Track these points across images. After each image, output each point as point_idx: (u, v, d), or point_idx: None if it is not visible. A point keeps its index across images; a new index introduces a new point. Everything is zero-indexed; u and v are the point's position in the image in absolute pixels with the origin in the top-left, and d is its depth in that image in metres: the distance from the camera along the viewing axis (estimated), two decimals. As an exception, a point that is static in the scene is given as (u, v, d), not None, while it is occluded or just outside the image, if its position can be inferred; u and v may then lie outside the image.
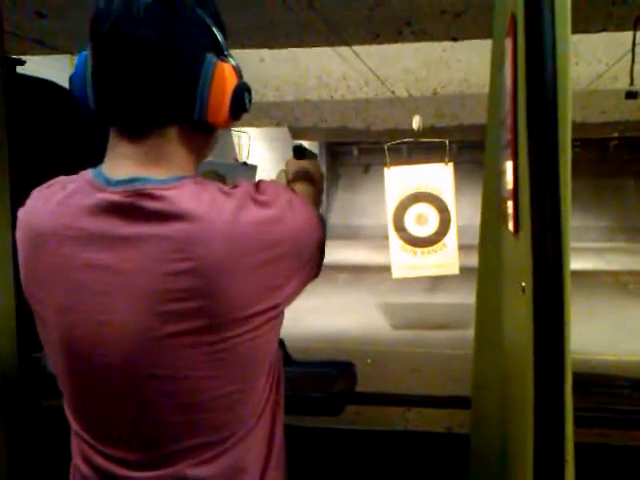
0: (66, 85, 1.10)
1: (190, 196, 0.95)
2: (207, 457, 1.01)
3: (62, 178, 1.05)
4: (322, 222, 1.13)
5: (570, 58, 0.80)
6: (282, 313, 1.04)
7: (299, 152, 1.37)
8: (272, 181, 1.09)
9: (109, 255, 0.96)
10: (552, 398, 0.81)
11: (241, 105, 1.04)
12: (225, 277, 0.93)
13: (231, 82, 1.02)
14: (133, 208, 0.95)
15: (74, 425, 1.09)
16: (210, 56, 1.00)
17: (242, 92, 1.04)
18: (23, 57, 2.14)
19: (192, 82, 0.98)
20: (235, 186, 0.99)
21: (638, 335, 7.38)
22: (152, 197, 0.94)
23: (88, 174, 1.02)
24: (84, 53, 1.03)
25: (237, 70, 1.04)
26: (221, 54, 1.02)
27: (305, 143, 12.52)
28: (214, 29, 1.01)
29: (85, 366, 1.01)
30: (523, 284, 0.86)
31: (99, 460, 1.04)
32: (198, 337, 0.94)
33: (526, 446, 0.85)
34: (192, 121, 1.00)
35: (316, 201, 1.28)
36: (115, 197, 0.96)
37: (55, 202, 1.00)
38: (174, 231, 0.92)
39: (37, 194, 1.06)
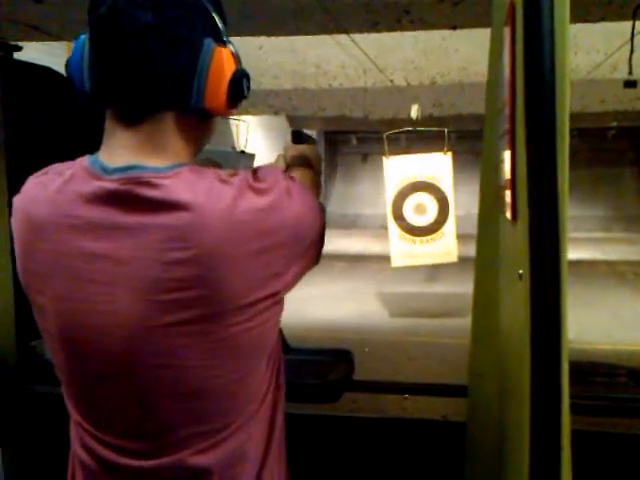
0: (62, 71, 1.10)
1: (188, 184, 0.94)
2: (208, 445, 1.01)
3: (58, 165, 1.04)
4: (322, 210, 1.12)
5: (568, 47, 0.80)
6: (282, 301, 1.04)
7: (297, 137, 1.37)
8: (271, 167, 1.09)
9: (107, 244, 0.95)
10: (548, 385, 0.81)
11: (239, 91, 1.03)
12: (223, 265, 0.93)
13: (229, 68, 1.01)
14: (130, 196, 0.94)
15: (73, 414, 1.09)
16: (208, 41, 0.99)
17: (240, 78, 1.03)
18: (19, 43, 2.13)
19: (189, 67, 0.98)
20: (233, 174, 0.99)
21: (635, 324, 7.41)
22: (149, 185, 0.94)
23: (84, 161, 1.01)
24: (82, 37, 1.03)
25: (236, 56, 1.03)
26: (220, 40, 1.01)
27: (303, 131, 12.44)
28: (213, 14, 1.01)
29: (84, 355, 1.01)
30: (520, 271, 0.86)
31: (99, 449, 1.05)
32: (197, 326, 0.94)
33: (522, 433, 0.85)
34: (189, 107, 1.00)
35: (316, 187, 1.28)
36: (112, 185, 0.96)
37: (52, 190, 1.00)
38: (172, 220, 0.92)
39: (33, 181, 1.05)
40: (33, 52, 2.27)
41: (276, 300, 1.01)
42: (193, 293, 0.93)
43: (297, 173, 1.20)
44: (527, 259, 0.81)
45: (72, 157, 1.06)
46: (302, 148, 1.34)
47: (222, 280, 0.93)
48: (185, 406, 1.00)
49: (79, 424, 1.08)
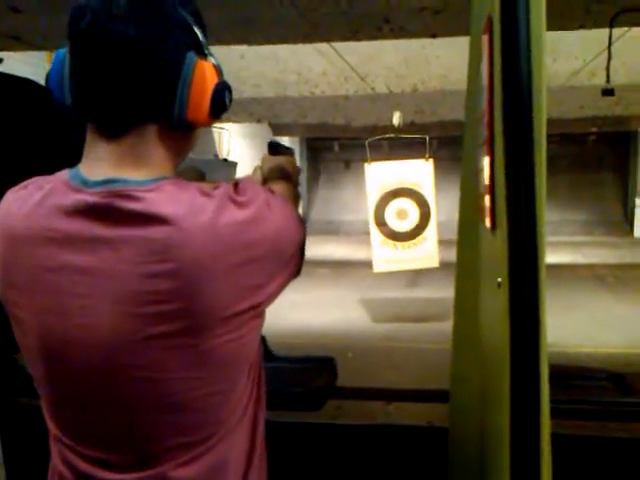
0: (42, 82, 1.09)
1: (169, 198, 0.94)
2: (189, 457, 1.01)
3: (38, 179, 1.04)
4: (301, 222, 1.12)
5: (545, 56, 0.82)
6: (263, 313, 1.04)
7: (274, 148, 1.37)
8: (250, 181, 1.09)
9: (87, 257, 0.95)
10: (528, 390, 0.82)
11: (221, 104, 1.03)
12: (204, 278, 0.93)
13: (211, 80, 1.01)
14: (111, 209, 0.94)
15: (53, 428, 1.08)
16: (190, 54, 0.99)
17: (222, 90, 1.03)
18: None
19: (172, 80, 0.98)
20: (215, 187, 0.99)
21: (615, 327, 7.47)
22: (130, 198, 0.94)
23: (64, 175, 1.01)
24: (62, 51, 1.02)
25: (218, 69, 1.03)
26: (201, 53, 1.01)
27: (285, 139, 12.48)
28: (195, 28, 1.00)
29: (64, 369, 1.00)
30: (499, 279, 0.87)
31: (79, 463, 1.04)
32: (178, 339, 0.94)
33: (503, 437, 0.86)
34: (171, 119, 0.99)
35: (294, 199, 1.28)
36: (92, 198, 0.95)
37: (31, 203, 0.99)
38: (153, 233, 0.92)
39: (11, 195, 1.04)
40: (11, 61, 2.26)
41: (257, 312, 1.01)
42: (174, 306, 0.93)
43: (275, 186, 1.20)
44: (506, 267, 0.82)
45: (51, 170, 1.05)
46: (279, 160, 1.34)
47: (203, 293, 0.93)
48: (167, 418, 0.99)
49: (58, 439, 1.07)
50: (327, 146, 18.60)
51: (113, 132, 0.99)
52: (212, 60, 1.03)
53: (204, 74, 1.00)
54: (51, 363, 1.01)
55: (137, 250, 0.92)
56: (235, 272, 0.95)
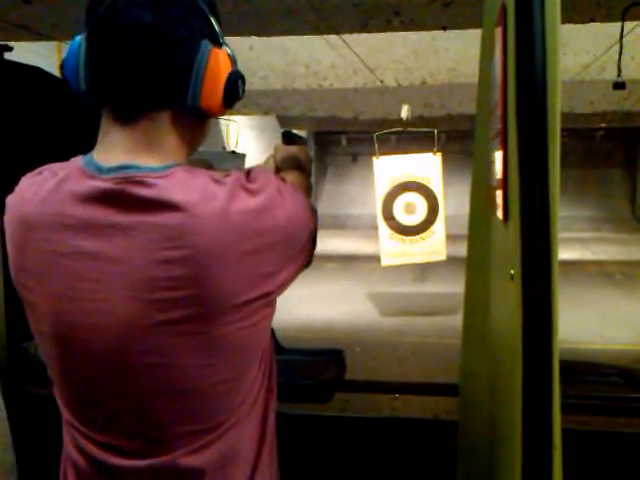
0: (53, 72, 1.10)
1: (181, 184, 0.94)
2: (200, 445, 1.01)
3: (52, 165, 1.04)
4: (313, 211, 1.12)
5: (560, 48, 0.81)
6: (274, 302, 1.04)
7: (288, 138, 1.37)
8: (263, 169, 1.09)
9: (100, 243, 0.95)
10: (540, 384, 0.82)
11: (234, 93, 1.04)
12: (216, 265, 0.93)
13: (225, 69, 1.02)
14: (124, 196, 0.94)
15: (66, 414, 1.08)
16: (205, 42, 1.00)
17: (236, 79, 1.04)
18: (9, 44, 2.12)
19: (186, 67, 0.98)
20: (226, 175, 0.99)
21: (623, 324, 7.45)
22: (143, 185, 0.94)
23: (79, 161, 1.01)
24: (77, 38, 1.03)
25: (232, 58, 1.04)
26: (216, 41, 1.02)
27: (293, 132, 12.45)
28: (210, 16, 1.02)
29: (76, 354, 1.01)
30: (512, 271, 0.86)
31: (91, 448, 1.04)
32: (190, 325, 0.94)
33: (514, 431, 0.86)
34: (185, 106, 1.00)
35: (306, 189, 1.28)
36: (106, 185, 0.96)
37: (46, 189, 1.00)
38: (165, 219, 0.92)
39: (26, 181, 1.05)
40: (20, 51, 2.26)
41: (269, 301, 1.01)
42: (186, 292, 0.93)
43: (288, 175, 1.20)
44: (519, 259, 0.82)
45: (62, 157, 1.05)
46: (292, 149, 1.34)
47: (215, 280, 0.93)
48: (178, 405, 0.99)
49: (71, 424, 1.07)
50: (335, 140, 18.58)
51: (128, 117, 0.99)
52: (226, 49, 1.04)
53: (218, 63, 1.01)
54: (64, 348, 1.02)
55: (150, 236, 0.93)
56: (247, 260, 0.95)
